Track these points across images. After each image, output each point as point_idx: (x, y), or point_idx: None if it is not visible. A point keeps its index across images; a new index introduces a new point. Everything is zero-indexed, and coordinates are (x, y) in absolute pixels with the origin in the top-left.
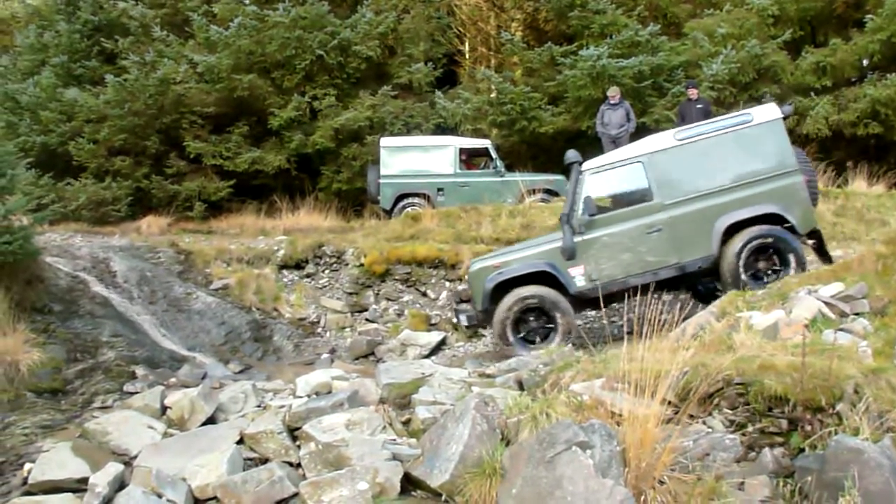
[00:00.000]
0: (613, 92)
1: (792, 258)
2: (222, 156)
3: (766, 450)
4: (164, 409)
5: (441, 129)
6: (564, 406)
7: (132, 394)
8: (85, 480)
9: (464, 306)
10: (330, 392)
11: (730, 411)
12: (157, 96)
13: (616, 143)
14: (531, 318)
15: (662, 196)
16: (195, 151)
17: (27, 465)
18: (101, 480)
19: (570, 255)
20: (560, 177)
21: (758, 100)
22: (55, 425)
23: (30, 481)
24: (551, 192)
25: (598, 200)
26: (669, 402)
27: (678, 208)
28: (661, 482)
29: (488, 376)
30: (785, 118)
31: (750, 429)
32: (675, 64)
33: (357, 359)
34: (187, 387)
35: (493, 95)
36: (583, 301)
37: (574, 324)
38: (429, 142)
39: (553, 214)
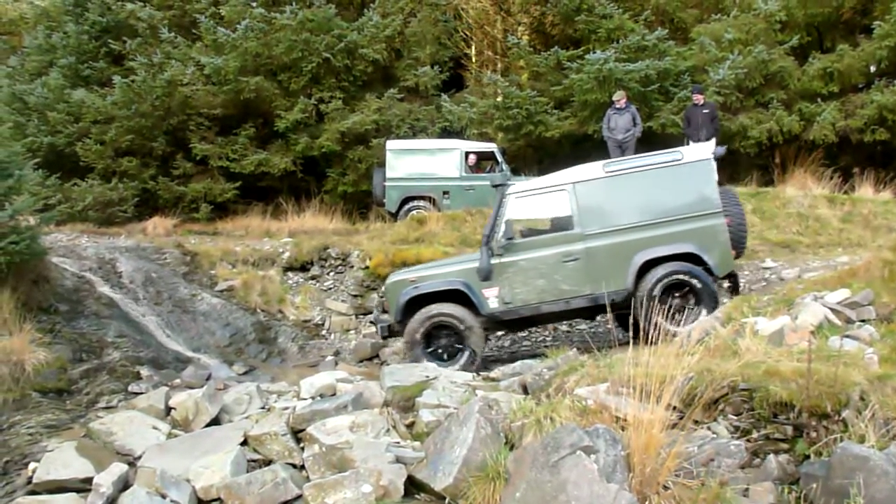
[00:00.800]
0: (619, 96)
1: (705, 298)
2: (228, 157)
3: (771, 456)
4: (168, 409)
5: (447, 133)
6: (569, 410)
7: (137, 394)
8: (89, 480)
9: (385, 316)
10: (334, 394)
11: (735, 417)
12: (164, 98)
13: (622, 147)
14: (442, 335)
15: (583, 226)
16: (202, 153)
17: (32, 465)
18: (105, 480)
19: (486, 276)
20: None
21: (765, 105)
22: (60, 425)
23: (34, 480)
24: None
25: (518, 224)
26: (674, 408)
27: (598, 239)
28: (666, 487)
29: (492, 380)
30: (716, 159)
31: (755, 435)
32: (682, 69)
33: (361, 361)
34: (192, 388)
35: (499, 99)
36: (495, 322)
37: (482, 344)
38: (435, 145)
39: None
